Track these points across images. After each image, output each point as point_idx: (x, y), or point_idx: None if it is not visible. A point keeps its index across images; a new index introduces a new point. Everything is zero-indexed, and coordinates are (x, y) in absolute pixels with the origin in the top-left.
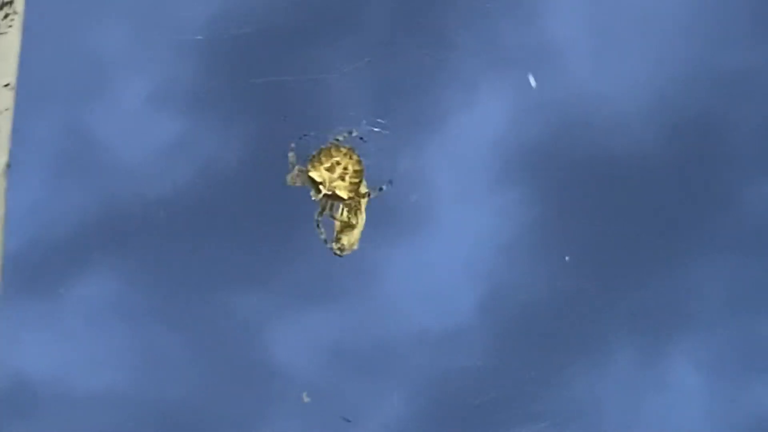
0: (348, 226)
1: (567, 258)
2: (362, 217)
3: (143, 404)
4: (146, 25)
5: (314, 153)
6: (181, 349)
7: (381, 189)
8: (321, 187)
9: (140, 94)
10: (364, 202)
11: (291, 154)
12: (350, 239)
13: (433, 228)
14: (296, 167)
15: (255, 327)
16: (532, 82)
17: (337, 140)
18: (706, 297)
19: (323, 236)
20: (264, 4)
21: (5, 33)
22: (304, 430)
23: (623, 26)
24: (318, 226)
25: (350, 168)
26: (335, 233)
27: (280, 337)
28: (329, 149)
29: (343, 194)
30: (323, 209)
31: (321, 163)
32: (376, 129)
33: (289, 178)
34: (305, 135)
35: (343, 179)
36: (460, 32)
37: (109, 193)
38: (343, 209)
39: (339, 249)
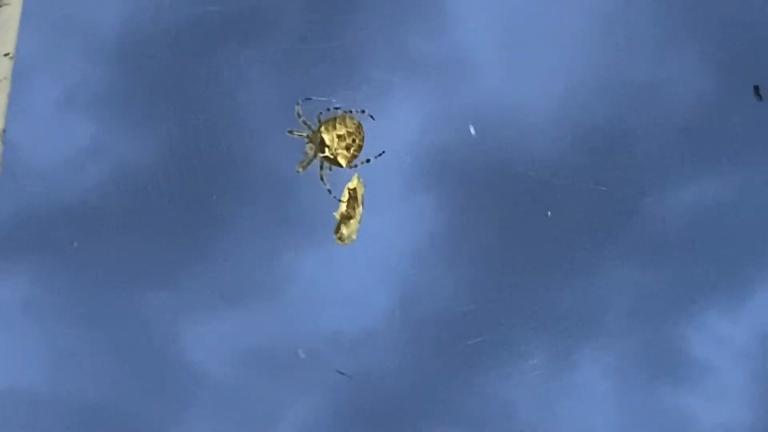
0: (347, 218)
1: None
2: (360, 210)
3: (55, 403)
4: (57, 27)
5: (330, 117)
6: (95, 349)
7: (368, 161)
8: (327, 149)
9: (52, 97)
10: (360, 194)
11: (298, 107)
12: (349, 230)
13: None
14: (304, 120)
15: (169, 327)
16: (472, 130)
17: (350, 112)
18: (613, 304)
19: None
20: (175, 6)
21: (8, 4)
22: (221, 429)
23: (533, 36)
24: (322, 179)
25: (357, 142)
26: (336, 225)
27: (193, 337)
28: (344, 118)
29: (343, 162)
30: (321, 167)
31: (335, 129)
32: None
33: (294, 131)
34: (308, 99)
35: (348, 150)
36: (372, 41)
37: (21, 196)
38: (342, 203)
39: (339, 239)
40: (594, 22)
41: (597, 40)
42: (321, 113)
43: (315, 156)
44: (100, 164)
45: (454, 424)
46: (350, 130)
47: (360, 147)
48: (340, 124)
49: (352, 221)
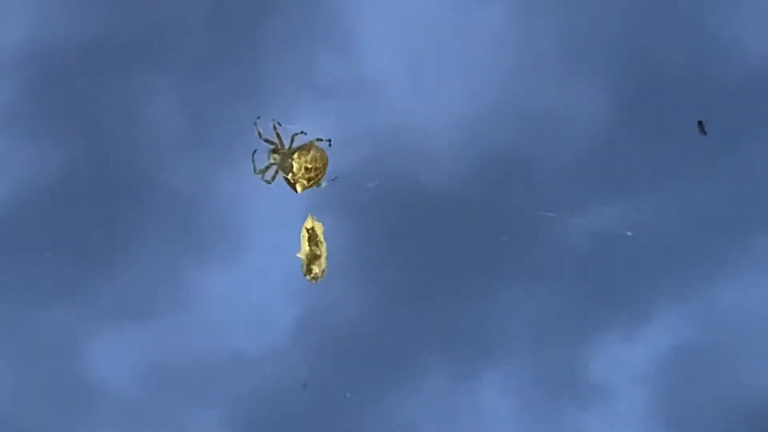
0: (315, 257)
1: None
2: (324, 246)
3: None
4: None
5: (304, 144)
6: None
7: (323, 185)
8: (291, 174)
9: None
10: (320, 231)
11: (274, 122)
12: (320, 267)
13: (249, 249)
14: (278, 134)
15: (71, 341)
16: None
17: (320, 140)
18: (515, 326)
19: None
20: (80, 24)
21: None
22: None
23: (439, 61)
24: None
25: (318, 176)
26: (304, 266)
27: (96, 351)
28: (317, 150)
29: (299, 189)
30: (274, 178)
31: (306, 159)
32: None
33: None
34: (280, 124)
35: (308, 181)
36: (277, 61)
37: None
38: (304, 243)
39: (313, 278)
40: (498, 50)
41: (501, 68)
42: (296, 134)
43: (276, 172)
44: (3, 180)
45: None
46: (318, 165)
47: (319, 180)
48: (313, 155)
49: (321, 259)
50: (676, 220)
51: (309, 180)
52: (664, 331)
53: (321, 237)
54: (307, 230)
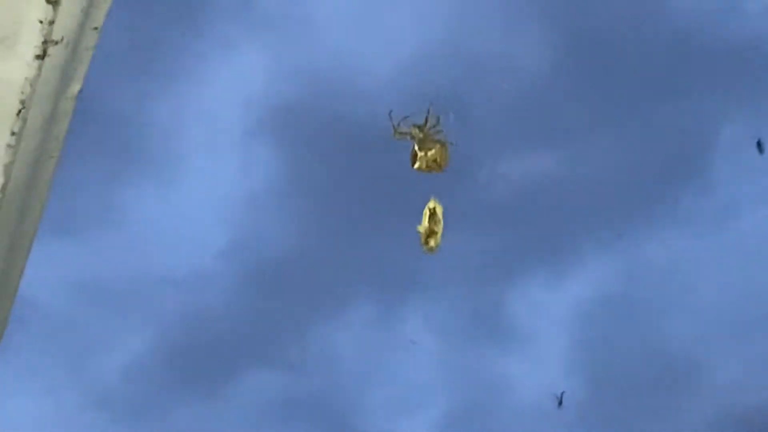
0: (432, 233)
1: None
2: (441, 225)
3: None
4: None
5: (424, 137)
6: None
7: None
8: (422, 150)
9: None
10: (440, 212)
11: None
12: (436, 241)
13: (184, 174)
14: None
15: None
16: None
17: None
18: (442, 265)
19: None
20: None
21: None
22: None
23: (384, 4)
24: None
25: (438, 159)
26: (423, 238)
27: (27, 266)
28: (436, 142)
29: (415, 165)
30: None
31: (425, 147)
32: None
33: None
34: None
35: (426, 166)
36: None
37: None
38: (425, 220)
39: (429, 249)
40: None
41: (443, 9)
42: (440, 119)
43: (410, 140)
44: None
45: (279, 367)
46: (442, 165)
47: (440, 162)
48: (446, 156)
49: (438, 235)
50: (608, 171)
51: (427, 166)
52: (589, 279)
53: (440, 216)
54: (430, 209)
